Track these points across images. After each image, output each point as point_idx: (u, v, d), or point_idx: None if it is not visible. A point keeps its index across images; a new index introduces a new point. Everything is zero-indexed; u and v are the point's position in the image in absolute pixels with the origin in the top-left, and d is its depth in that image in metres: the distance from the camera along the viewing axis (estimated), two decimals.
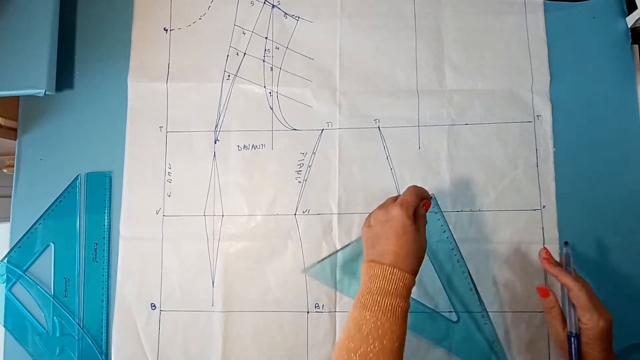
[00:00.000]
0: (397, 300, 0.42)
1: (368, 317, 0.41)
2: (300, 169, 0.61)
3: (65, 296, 0.61)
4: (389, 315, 0.41)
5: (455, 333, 0.57)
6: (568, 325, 0.47)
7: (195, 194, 0.61)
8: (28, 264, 0.61)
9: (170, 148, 0.62)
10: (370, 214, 0.49)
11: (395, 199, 0.48)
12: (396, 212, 0.45)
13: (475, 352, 0.56)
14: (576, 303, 0.45)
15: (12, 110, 0.64)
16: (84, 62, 0.65)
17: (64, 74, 0.63)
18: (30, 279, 0.61)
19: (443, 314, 0.57)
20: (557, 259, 0.54)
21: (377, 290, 0.42)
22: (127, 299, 0.60)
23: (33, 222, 0.62)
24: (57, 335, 0.60)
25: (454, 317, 0.57)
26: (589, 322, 0.44)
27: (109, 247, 0.61)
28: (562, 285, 0.48)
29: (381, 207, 0.48)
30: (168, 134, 0.63)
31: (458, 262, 0.57)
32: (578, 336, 0.45)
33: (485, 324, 0.56)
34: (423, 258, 0.46)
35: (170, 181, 0.62)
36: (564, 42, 0.62)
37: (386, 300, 0.42)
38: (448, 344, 0.56)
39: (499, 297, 0.57)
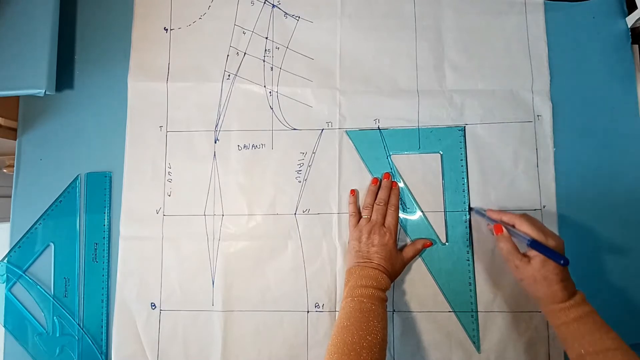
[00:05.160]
0: (378, 292, 0.51)
1: (356, 300, 0.50)
2: (300, 169, 0.61)
3: (65, 296, 0.61)
4: (369, 298, 0.50)
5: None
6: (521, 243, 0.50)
7: (195, 194, 0.61)
8: (28, 264, 0.61)
9: (170, 148, 0.62)
10: (359, 228, 0.56)
11: (379, 213, 0.57)
12: (387, 239, 0.55)
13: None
14: (525, 230, 0.49)
15: (12, 110, 0.64)
16: (84, 62, 0.65)
17: (64, 74, 0.63)
18: (30, 279, 0.61)
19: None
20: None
21: (362, 282, 0.51)
22: (127, 298, 0.60)
23: (33, 222, 0.62)
24: (57, 335, 0.60)
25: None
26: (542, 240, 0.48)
27: (109, 247, 0.61)
28: (506, 225, 0.53)
29: (374, 230, 0.55)
30: (168, 133, 0.63)
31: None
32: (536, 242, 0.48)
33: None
34: (398, 274, 0.56)
35: (170, 181, 0.62)
36: (564, 42, 0.62)
37: (369, 289, 0.51)
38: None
39: (499, 296, 0.57)
